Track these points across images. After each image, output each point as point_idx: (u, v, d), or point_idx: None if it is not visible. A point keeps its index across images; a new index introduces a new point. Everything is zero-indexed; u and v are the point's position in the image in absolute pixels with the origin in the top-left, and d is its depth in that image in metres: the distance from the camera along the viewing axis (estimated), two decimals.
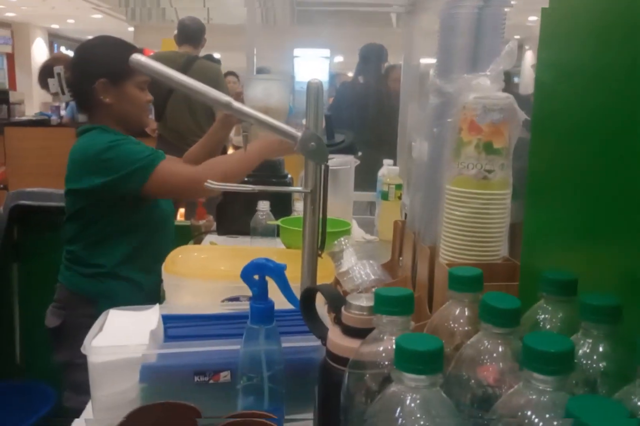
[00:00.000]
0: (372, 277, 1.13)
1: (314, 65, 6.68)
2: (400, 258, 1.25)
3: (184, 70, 2.92)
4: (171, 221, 1.70)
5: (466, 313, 0.62)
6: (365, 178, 2.17)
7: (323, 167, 1.01)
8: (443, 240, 0.93)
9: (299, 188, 1.10)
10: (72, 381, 1.47)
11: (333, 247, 1.33)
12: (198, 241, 1.88)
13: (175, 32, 3.37)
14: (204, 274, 1.15)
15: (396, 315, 0.53)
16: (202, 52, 3.41)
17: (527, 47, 8.11)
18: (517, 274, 0.83)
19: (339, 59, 8.46)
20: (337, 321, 0.65)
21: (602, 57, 0.62)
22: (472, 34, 0.96)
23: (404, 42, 2.51)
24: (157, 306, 0.95)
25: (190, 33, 3.31)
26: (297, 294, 0.80)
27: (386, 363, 0.52)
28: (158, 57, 3.15)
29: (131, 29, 10.16)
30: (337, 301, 0.66)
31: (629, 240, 0.56)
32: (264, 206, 1.57)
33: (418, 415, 0.43)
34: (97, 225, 1.50)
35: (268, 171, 1.78)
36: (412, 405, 0.43)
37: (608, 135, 0.61)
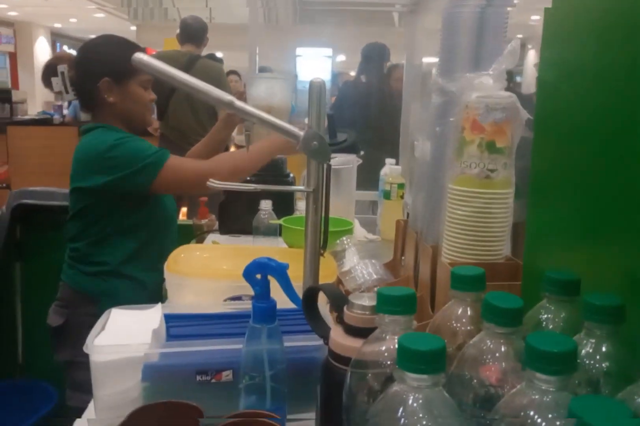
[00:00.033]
0: (374, 276, 1.13)
1: (316, 64, 6.68)
2: (403, 258, 1.25)
3: (186, 69, 2.92)
4: (174, 220, 1.70)
5: (468, 313, 0.62)
6: (368, 177, 2.17)
7: (325, 166, 1.01)
8: (445, 239, 0.93)
9: (302, 187, 1.10)
10: (74, 380, 1.48)
11: (335, 246, 1.33)
12: (200, 240, 1.88)
13: (178, 31, 3.37)
14: (206, 273, 1.15)
15: (399, 315, 0.52)
16: (205, 52, 3.41)
17: (529, 46, 8.10)
18: (519, 273, 0.83)
19: (341, 58, 8.46)
20: (340, 320, 0.65)
21: (605, 56, 0.62)
22: (474, 33, 0.96)
23: (406, 41, 2.51)
24: (159, 305, 0.95)
25: (193, 32, 3.31)
26: (299, 293, 0.80)
27: (388, 362, 0.52)
28: (160, 57, 3.14)
29: (133, 28, 10.17)
30: (339, 300, 0.66)
31: (632, 240, 0.56)
32: (266, 205, 1.57)
33: (420, 415, 0.43)
34: (101, 223, 1.50)
35: (270, 170, 1.78)
36: (415, 404, 0.43)
37: (611, 134, 0.61)
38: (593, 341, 0.52)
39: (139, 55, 1.02)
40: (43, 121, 6.43)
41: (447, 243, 0.93)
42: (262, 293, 0.73)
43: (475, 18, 0.95)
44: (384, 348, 0.53)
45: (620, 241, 0.59)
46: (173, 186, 1.48)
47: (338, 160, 1.76)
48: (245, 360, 0.72)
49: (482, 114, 0.86)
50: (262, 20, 5.80)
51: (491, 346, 0.53)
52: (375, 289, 1.09)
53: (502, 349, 0.52)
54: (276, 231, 1.57)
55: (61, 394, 2.07)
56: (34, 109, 8.64)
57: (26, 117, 6.82)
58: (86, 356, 0.79)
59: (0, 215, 2.21)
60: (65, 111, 6.80)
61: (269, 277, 0.74)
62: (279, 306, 0.73)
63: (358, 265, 1.18)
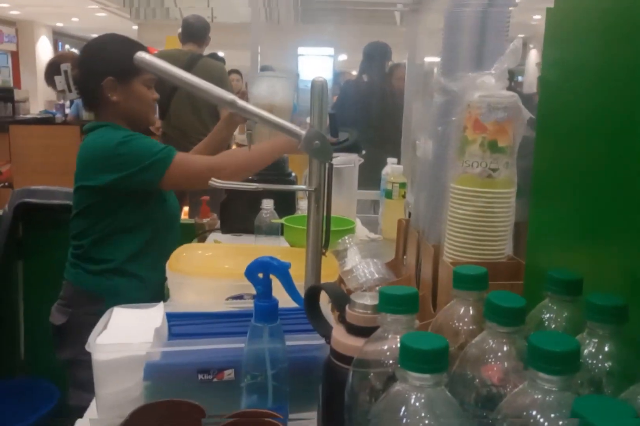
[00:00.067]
0: (376, 275, 1.13)
1: (317, 63, 6.68)
2: (404, 257, 1.25)
3: (188, 68, 2.91)
4: (178, 218, 1.71)
5: (471, 312, 0.62)
6: (369, 177, 2.17)
7: (327, 165, 1.01)
8: (447, 239, 0.93)
9: (303, 186, 1.10)
10: (76, 378, 1.48)
11: (337, 245, 1.33)
12: (202, 240, 1.88)
13: (180, 30, 3.37)
14: (208, 272, 1.15)
15: (401, 314, 0.52)
16: (206, 51, 3.40)
17: (531, 45, 8.09)
18: (521, 273, 0.83)
19: (342, 57, 8.46)
20: (341, 319, 0.65)
21: (607, 56, 0.62)
22: (476, 32, 0.96)
23: (408, 40, 2.51)
24: (161, 304, 0.95)
25: (195, 31, 3.31)
26: (301, 292, 0.80)
27: (390, 361, 0.52)
28: (162, 56, 3.14)
29: (135, 27, 10.18)
30: (341, 299, 0.66)
31: (635, 239, 0.56)
32: (268, 204, 1.57)
33: (422, 414, 0.43)
34: (106, 221, 1.50)
35: (272, 170, 1.78)
36: (417, 404, 0.43)
37: (613, 134, 0.60)
38: (595, 341, 0.52)
39: (141, 54, 1.02)
40: (45, 120, 6.43)
41: (449, 242, 0.93)
42: (264, 292, 0.73)
43: (478, 17, 0.95)
44: (386, 347, 0.53)
45: (623, 241, 0.59)
46: (181, 182, 1.48)
47: (340, 159, 1.76)
48: (247, 358, 0.72)
49: (484, 113, 0.86)
50: (264, 19, 5.80)
51: (493, 345, 0.52)
52: (377, 288, 1.09)
53: (505, 348, 0.52)
54: (278, 230, 1.57)
55: (63, 392, 2.08)
56: (36, 108, 8.65)
57: (28, 116, 6.82)
58: (89, 354, 0.79)
59: (2, 214, 2.21)
60: (67, 110, 6.80)
61: (271, 276, 0.74)
62: (280, 305, 0.73)
63: (360, 264, 1.18)
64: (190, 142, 2.12)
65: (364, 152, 1.96)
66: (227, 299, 1.07)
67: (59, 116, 6.74)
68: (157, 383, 0.79)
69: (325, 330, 0.69)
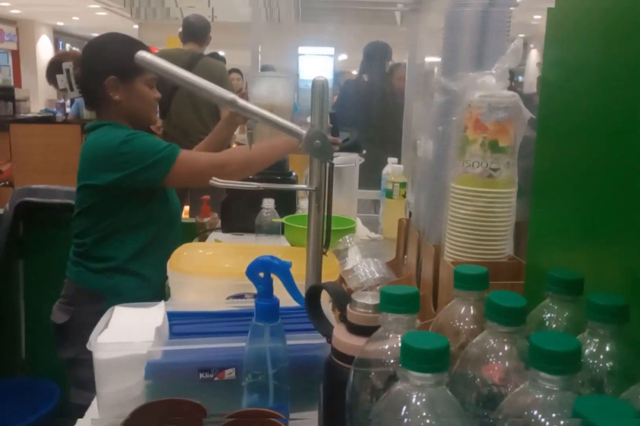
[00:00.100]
0: (377, 275, 1.14)
1: (318, 63, 6.68)
2: (405, 256, 1.25)
3: (188, 67, 2.92)
4: (179, 217, 1.71)
5: (471, 312, 0.62)
6: (370, 176, 2.17)
7: (328, 165, 1.01)
8: (448, 238, 0.93)
9: (304, 186, 1.10)
10: (78, 377, 1.48)
11: (338, 245, 1.33)
12: (203, 239, 1.88)
13: (180, 29, 3.37)
14: (209, 271, 1.15)
15: (402, 313, 0.52)
16: (207, 50, 3.40)
17: (531, 45, 8.08)
18: (522, 273, 0.83)
19: (343, 57, 8.46)
20: (342, 319, 0.65)
21: (608, 56, 0.62)
22: (477, 32, 0.96)
23: (408, 40, 2.51)
24: (162, 303, 0.95)
25: (195, 31, 3.31)
26: (302, 291, 0.80)
27: (392, 361, 0.52)
28: (163, 55, 3.14)
29: (136, 26, 10.17)
30: (342, 299, 0.66)
31: (635, 239, 0.56)
32: (268, 203, 1.57)
33: (423, 414, 0.43)
34: (109, 220, 1.50)
35: (273, 169, 1.78)
36: (418, 403, 0.43)
37: (614, 134, 0.61)
38: (596, 340, 0.52)
39: (142, 54, 1.02)
40: (46, 119, 6.44)
41: (449, 242, 0.93)
42: (265, 291, 0.73)
43: (478, 17, 0.95)
44: (387, 346, 0.53)
45: (624, 240, 0.59)
46: (186, 179, 1.49)
47: (340, 159, 1.76)
48: (248, 358, 0.72)
49: (484, 113, 0.86)
50: (265, 18, 5.80)
51: (494, 345, 0.53)
52: (378, 287, 1.09)
53: (505, 348, 0.52)
54: (279, 230, 1.57)
55: (63, 392, 2.08)
56: (36, 107, 8.65)
57: (29, 115, 6.82)
58: (90, 353, 0.79)
59: (3, 213, 2.21)
60: (67, 109, 6.81)
61: (272, 275, 0.74)
62: (281, 304, 0.74)
63: (360, 264, 1.18)
64: (190, 142, 2.12)
65: (364, 151, 1.96)
66: (228, 298, 1.07)
67: (59, 115, 6.74)
68: (158, 382, 0.79)
69: (326, 329, 0.69)
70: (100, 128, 1.51)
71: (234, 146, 3.14)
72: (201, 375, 0.80)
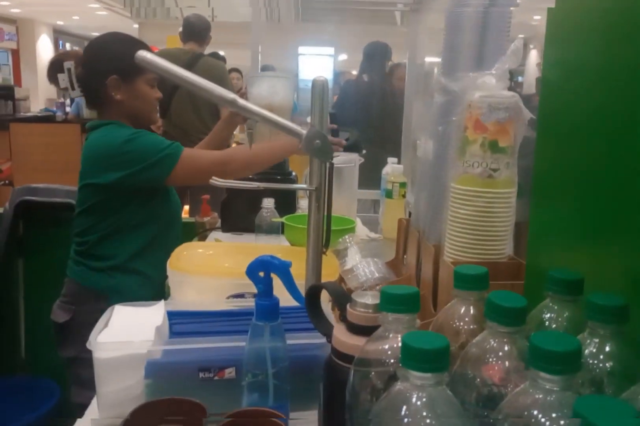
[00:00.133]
0: (377, 275, 1.14)
1: (318, 63, 6.68)
2: (405, 256, 1.26)
3: (188, 67, 2.92)
4: (180, 216, 1.72)
5: (471, 312, 0.62)
6: (370, 176, 2.17)
7: (328, 165, 1.01)
8: (448, 238, 0.93)
9: (304, 186, 1.10)
10: (80, 376, 1.48)
11: (337, 245, 1.33)
12: (202, 238, 1.89)
13: (180, 29, 3.37)
14: (209, 271, 1.15)
15: (402, 313, 0.53)
16: (207, 50, 3.40)
17: (531, 46, 8.08)
18: (521, 273, 0.83)
19: (343, 57, 8.45)
20: (342, 318, 0.65)
21: (608, 56, 0.62)
22: (477, 32, 0.96)
23: (408, 40, 2.51)
24: (162, 302, 0.95)
25: (196, 30, 3.31)
26: (302, 291, 0.80)
27: (392, 361, 0.52)
28: (163, 54, 3.14)
29: (136, 26, 10.17)
30: (342, 298, 0.66)
31: (636, 239, 0.56)
32: (268, 203, 1.57)
33: (424, 414, 0.43)
34: (111, 219, 1.51)
35: (273, 169, 1.78)
36: (418, 403, 0.43)
37: (614, 134, 0.61)
38: (596, 340, 0.52)
39: (142, 53, 1.02)
40: (45, 118, 6.44)
41: (449, 242, 0.93)
42: (265, 291, 0.73)
43: (479, 17, 0.95)
44: (387, 346, 0.53)
45: (624, 240, 0.59)
46: (189, 177, 1.49)
47: (340, 159, 1.76)
48: (248, 357, 0.72)
49: (484, 113, 0.86)
50: (265, 18, 5.80)
51: (494, 345, 0.53)
52: (378, 287, 1.09)
53: (506, 348, 0.52)
54: (278, 229, 1.57)
55: (63, 391, 2.08)
56: (36, 106, 8.65)
57: (29, 114, 6.82)
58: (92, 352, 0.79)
59: (3, 212, 2.21)
60: (67, 108, 6.81)
61: (272, 275, 0.75)
62: (281, 304, 0.74)
63: (360, 264, 1.18)
64: (190, 141, 2.12)
65: (364, 151, 1.96)
66: (228, 297, 1.07)
67: (59, 114, 6.74)
68: (158, 381, 0.79)
69: (326, 329, 0.69)
70: (103, 127, 1.51)
71: (234, 145, 3.14)
72: (201, 374, 0.80)
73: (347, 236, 1.36)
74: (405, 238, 1.25)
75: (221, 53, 3.84)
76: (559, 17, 0.71)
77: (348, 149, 1.86)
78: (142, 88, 1.54)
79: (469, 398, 0.52)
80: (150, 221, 1.54)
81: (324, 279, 1.02)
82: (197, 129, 3.14)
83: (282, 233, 1.57)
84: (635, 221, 0.56)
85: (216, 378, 0.80)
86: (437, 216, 1.02)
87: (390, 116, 3.11)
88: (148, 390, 0.79)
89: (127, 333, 0.83)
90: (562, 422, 0.41)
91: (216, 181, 1.03)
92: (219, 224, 1.96)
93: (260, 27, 2.53)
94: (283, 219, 1.55)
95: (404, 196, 1.85)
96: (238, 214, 1.85)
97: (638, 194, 0.56)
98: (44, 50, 11.55)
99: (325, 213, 1.03)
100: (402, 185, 1.86)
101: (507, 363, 0.52)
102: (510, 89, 0.90)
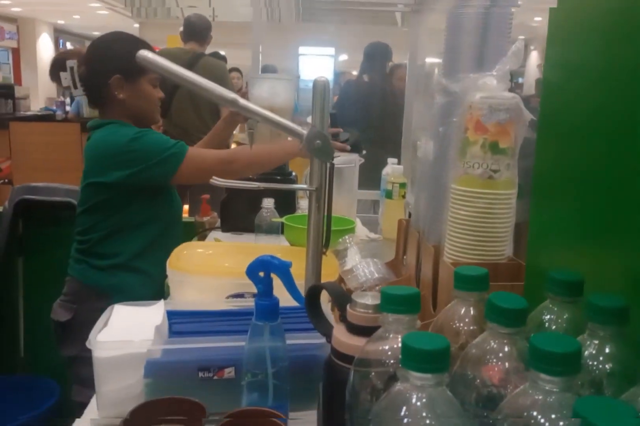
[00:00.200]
0: (376, 275, 1.14)
1: (318, 63, 6.68)
2: (404, 257, 1.26)
3: (189, 67, 2.91)
4: (181, 216, 1.72)
5: (471, 313, 0.62)
6: (370, 177, 2.17)
7: (328, 165, 1.01)
8: (448, 239, 0.93)
9: (304, 186, 1.10)
10: (81, 375, 1.48)
11: (337, 245, 1.33)
12: (202, 238, 1.89)
13: (181, 29, 3.37)
14: (209, 270, 1.15)
15: (402, 314, 0.53)
16: (208, 50, 3.40)
17: (531, 47, 8.08)
18: (521, 274, 0.83)
19: (343, 57, 8.45)
20: (342, 319, 0.65)
21: (610, 56, 0.62)
22: (478, 33, 0.96)
23: (409, 41, 2.51)
24: (162, 301, 0.95)
25: (196, 30, 3.31)
26: (301, 291, 0.80)
27: (392, 361, 0.52)
28: (163, 54, 3.13)
29: (136, 25, 10.17)
30: (342, 299, 0.66)
31: (636, 240, 0.56)
32: (268, 203, 1.57)
33: (424, 414, 0.43)
34: (115, 217, 1.51)
35: (273, 169, 1.78)
36: (418, 403, 0.43)
37: (615, 135, 0.61)
38: (596, 342, 0.52)
39: (143, 53, 1.02)
40: (45, 117, 6.44)
41: (449, 243, 0.93)
42: (265, 291, 0.73)
43: (480, 18, 0.95)
44: (387, 346, 0.53)
45: (624, 242, 0.59)
46: (194, 175, 1.50)
47: (340, 159, 1.75)
48: (247, 357, 0.72)
49: (485, 114, 0.86)
50: (265, 18, 5.80)
51: (494, 346, 0.53)
52: (377, 288, 1.09)
53: (506, 349, 0.52)
54: (278, 229, 1.57)
55: (63, 390, 2.08)
56: (36, 105, 8.64)
57: (29, 113, 6.81)
58: None
59: (2, 211, 2.21)
60: (67, 108, 6.80)
61: (272, 275, 0.75)
62: (281, 304, 0.74)
63: (360, 264, 1.18)
64: (191, 141, 2.12)
65: (364, 152, 1.96)
66: (227, 297, 1.07)
67: (59, 113, 6.73)
68: (158, 381, 0.79)
69: (326, 329, 0.69)
70: (106, 126, 1.51)
71: (233, 145, 3.14)
72: (200, 374, 0.80)
73: (347, 237, 1.36)
74: (405, 238, 1.25)
75: (222, 53, 3.84)
76: (561, 17, 0.71)
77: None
78: (145, 88, 1.54)
79: (469, 398, 0.52)
80: (152, 220, 1.55)
81: (323, 280, 1.02)
82: (198, 128, 3.14)
83: (282, 233, 1.57)
84: (636, 222, 0.56)
85: (216, 377, 0.80)
86: (437, 217, 1.02)
87: (391, 116, 3.11)
88: (147, 389, 0.79)
89: (127, 333, 0.83)
90: (561, 423, 0.41)
91: (216, 180, 1.03)
92: (218, 224, 1.96)
93: (261, 27, 2.53)
94: (283, 220, 1.55)
95: (403, 196, 1.86)
96: (238, 214, 1.85)
97: (638, 195, 0.56)
98: (45, 49, 11.55)
99: (325, 213, 1.03)
100: (402, 186, 1.86)
101: (507, 364, 0.52)
102: (510, 90, 0.90)
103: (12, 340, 2.31)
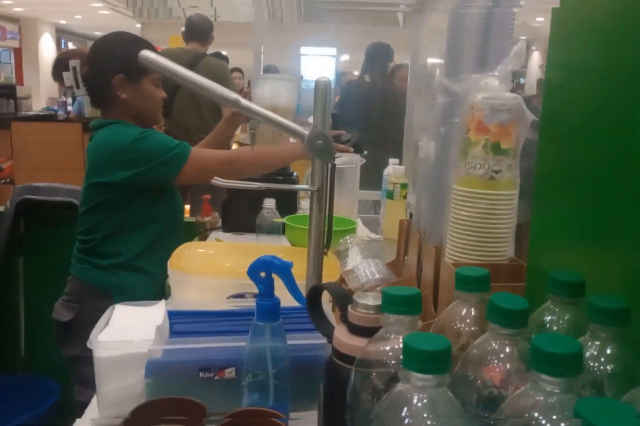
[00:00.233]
0: (377, 276, 1.14)
1: (320, 63, 6.68)
2: (405, 257, 1.26)
3: (191, 67, 2.91)
4: (182, 215, 1.72)
5: (472, 313, 0.62)
6: (371, 177, 2.17)
7: (330, 165, 1.01)
8: (449, 240, 0.93)
9: (306, 186, 1.10)
10: (83, 375, 1.47)
11: (338, 245, 1.33)
12: (203, 238, 1.89)
13: (183, 29, 3.37)
14: (210, 270, 1.15)
15: (404, 314, 0.53)
16: (210, 50, 3.41)
17: (533, 48, 8.08)
18: (522, 275, 0.83)
19: (345, 57, 8.45)
20: (343, 319, 0.65)
21: (612, 57, 0.62)
22: (480, 33, 0.96)
23: (411, 41, 2.51)
24: (162, 301, 0.95)
25: (198, 30, 3.32)
26: (302, 292, 0.80)
27: (393, 362, 0.52)
28: (165, 54, 3.14)
29: (138, 25, 10.18)
30: (343, 299, 0.66)
31: (637, 241, 0.56)
32: (269, 203, 1.57)
33: (425, 415, 0.43)
34: (118, 217, 1.51)
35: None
36: (419, 404, 0.43)
37: (617, 135, 0.61)
38: (598, 343, 0.52)
39: (145, 53, 1.02)
40: (47, 117, 6.44)
41: (450, 244, 0.93)
42: (266, 291, 0.73)
43: (482, 19, 0.95)
44: (388, 347, 0.53)
45: (626, 243, 0.59)
46: (198, 175, 1.50)
47: (342, 159, 1.76)
48: (248, 357, 0.72)
49: (487, 115, 0.86)
50: (267, 18, 5.80)
51: (495, 347, 0.53)
52: (378, 288, 1.09)
53: (507, 350, 0.52)
54: (279, 230, 1.57)
55: (63, 389, 2.08)
56: (38, 105, 8.65)
57: (30, 113, 6.82)
58: None
59: (4, 210, 2.22)
60: (69, 107, 6.81)
61: (273, 275, 0.75)
62: (282, 304, 0.74)
63: (361, 264, 1.18)
64: (192, 141, 2.12)
65: (365, 152, 1.96)
66: (228, 297, 1.07)
67: (61, 113, 6.74)
68: (159, 381, 0.79)
69: (327, 330, 0.69)
70: (109, 126, 1.51)
71: (234, 146, 3.14)
72: (201, 374, 0.80)
73: (348, 237, 1.36)
74: (406, 239, 1.25)
75: (223, 53, 3.84)
76: (564, 18, 0.71)
77: None
78: (147, 88, 1.54)
79: (470, 399, 0.52)
80: (154, 220, 1.55)
81: (324, 280, 1.02)
82: (199, 128, 3.15)
83: (283, 233, 1.57)
84: (637, 223, 0.56)
85: (216, 377, 0.80)
86: (438, 218, 1.02)
87: (392, 116, 3.11)
88: (148, 389, 0.79)
89: (128, 333, 0.83)
90: (562, 424, 0.41)
91: (218, 180, 1.03)
92: (219, 224, 1.96)
93: (263, 28, 2.53)
94: (284, 220, 1.55)
95: (405, 197, 1.85)
96: (239, 214, 1.85)
97: None
98: (47, 49, 11.57)
99: (327, 214, 1.03)
100: (403, 186, 1.86)
101: (508, 365, 0.52)
102: (511, 91, 0.90)
103: (12, 340, 2.31)
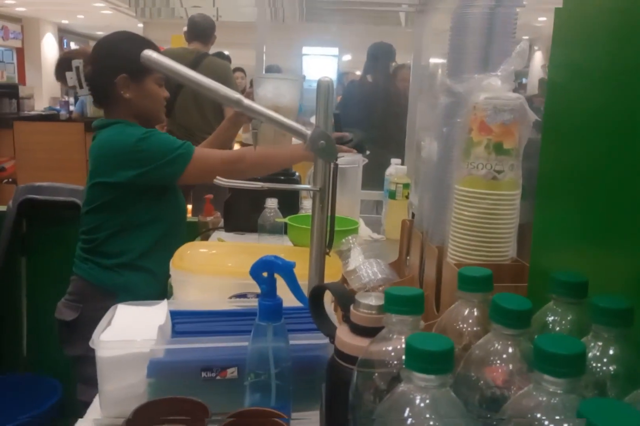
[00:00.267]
0: (380, 276, 1.14)
1: (322, 63, 6.68)
2: (408, 257, 1.25)
3: (193, 67, 2.92)
4: (185, 215, 1.73)
5: (475, 314, 0.62)
6: (373, 177, 2.17)
7: (332, 165, 1.01)
8: (451, 240, 0.93)
9: (308, 186, 1.10)
10: (86, 374, 1.47)
11: (340, 245, 1.33)
12: (205, 238, 1.89)
13: (185, 29, 3.37)
14: (212, 270, 1.15)
15: (406, 315, 0.53)
16: (212, 50, 3.41)
17: (536, 47, 8.07)
18: (525, 275, 0.83)
19: (347, 57, 8.45)
20: (346, 319, 0.65)
21: (615, 57, 0.62)
22: (483, 33, 0.96)
23: (413, 41, 2.51)
24: (165, 301, 0.95)
25: (200, 30, 3.32)
26: (305, 292, 0.80)
27: (395, 362, 0.52)
28: (168, 54, 3.14)
29: (140, 25, 10.19)
30: (346, 299, 0.66)
31: None
32: (272, 203, 1.57)
33: (427, 415, 0.43)
34: (121, 217, 1.51)
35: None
36: (422, 404, 0.43)
37: (620, 136, 0.60)
38: (600, 343, 0.52)
39: (147, 52, 1.02)
40: (49, 117, 6.45)
41: (453, 244, 0.93)
42: (268, 291, 0.73)
43: (484, 19, 0.95)
44: (390, 347, 0.53)
45: (628, 243, 0.58)
46: (201, 175, 1.50)
47: (344, 159, 1.76)
48: (250, 357, 0.72)
49: (490, 115, 0.86)
50: (269, 18, 5.80)
51: (498, 347, 0.52)
52: (380, 288, 1.09)
53: (510, 350, 0.52)
54: (281, 229, 1.57)
55: (65, 389, 2.08)
56: (40, 104, 8.66)
57: (33, 112, 6.82)
58: None
59: (6, 210, 2.22)
60: (71, 107, 6.82)
61: (275, 275, 0.75)
62: (284, 304, 0.74)
63: (363, 264, 1.18)
64: (194, 141, 2.12)
65: (368, 152, 1.96)
66: (231, 297, 1.07)
67: (63, 113, 6.74)
68: (161, 381, 0.79)
69: (329, 330, 0.69)
70: (112, 126, 1.51)
71: (236, 146, 3.14)
72: (203, 374, 0.80)
73: (350, 237, 1.36)
74: (409, 239, 1.25)
75: (226, 53, 3.84)
76: (566, 17, 0.71)
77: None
78: (151, 87, 1.55)
79: (473, 400, 0.52)
80: (157, 219, 1.55)
81: (327, 280, 1.02)
82: (201, 128, 3.15)
83: (285, 233, 1.57)
84: None
85: (218, 377, 0.80)
86: (440, 218, 1.01)
87: (394, 116, 3.11)
88: (150, 389, 0.79)
89: (130, 332, 0.83)
90: (565, 425, 0.41)
91: (220, 180, 1.03)
92: (222, 223, 1.96)
93: (265, 27, 2.53)
94: (286, 220, 1.55)
95: (407, 197, 1.85)
96: (241, 214, 1.85)
97: None
98: (49, 49, 11.58)
99: (329, 214, 1.03)
100: (406, 186, 1.86)
101: (511, 365, 0.52)
102: (514, 90, 0.90)
103: (15, 339, 2.32)
